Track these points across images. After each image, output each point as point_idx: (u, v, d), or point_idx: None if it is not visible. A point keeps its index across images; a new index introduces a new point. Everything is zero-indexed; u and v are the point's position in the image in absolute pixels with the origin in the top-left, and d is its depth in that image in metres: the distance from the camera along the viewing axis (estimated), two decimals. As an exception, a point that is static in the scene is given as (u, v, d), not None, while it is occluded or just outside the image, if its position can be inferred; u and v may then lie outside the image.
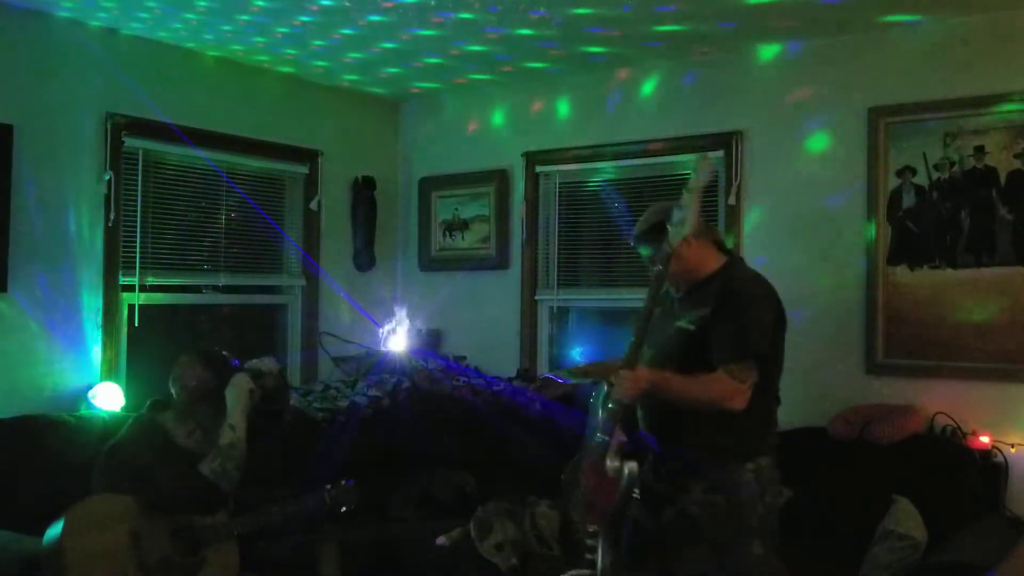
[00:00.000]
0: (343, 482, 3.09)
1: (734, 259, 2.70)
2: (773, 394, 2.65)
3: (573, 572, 2.69)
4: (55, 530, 2.64)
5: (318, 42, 4.20)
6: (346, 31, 4.01)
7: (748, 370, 2.46)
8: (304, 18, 3.82)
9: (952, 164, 3.71)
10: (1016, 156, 3.58)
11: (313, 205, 4.89)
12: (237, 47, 4.29)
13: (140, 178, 4.12)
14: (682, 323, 2.57)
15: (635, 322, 2.57)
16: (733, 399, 2.45)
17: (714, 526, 2.51)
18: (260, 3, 3.64)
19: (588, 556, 2.57)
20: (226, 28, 4.00)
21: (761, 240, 4.15)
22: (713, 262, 2.63)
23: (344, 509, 3.07)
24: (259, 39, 4.15)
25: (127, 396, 3.89)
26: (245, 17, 3.82)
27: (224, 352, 3.17)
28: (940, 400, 3.65)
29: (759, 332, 2.50)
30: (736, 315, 2.48)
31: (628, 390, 2.46)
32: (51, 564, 2.61)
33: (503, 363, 4.87)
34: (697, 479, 2.53)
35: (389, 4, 3.62)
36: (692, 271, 2.61)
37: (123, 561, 2.66)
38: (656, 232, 2.56)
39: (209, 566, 2.78)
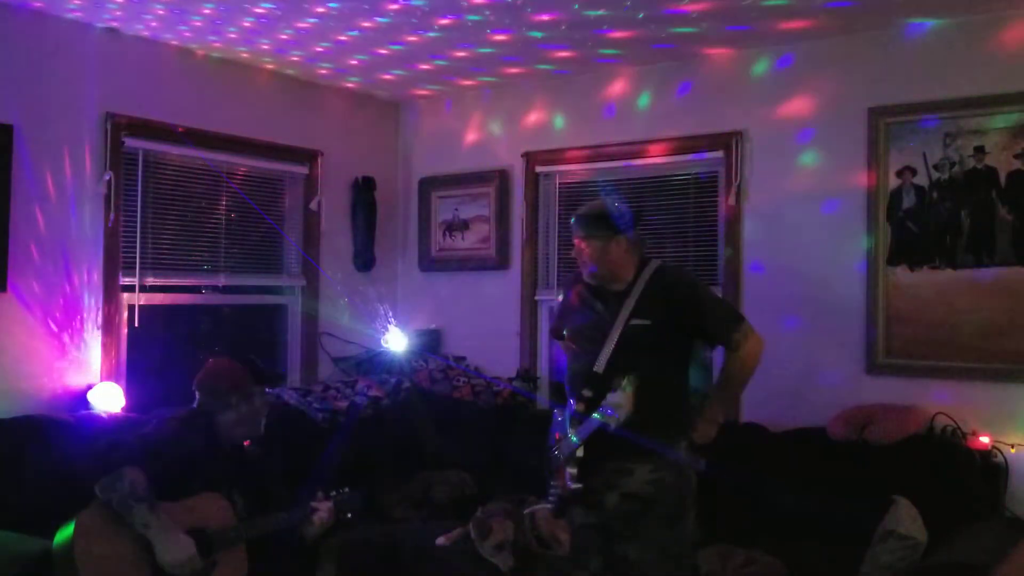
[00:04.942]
0: (344, 489, 3.12)
1: (649, 258, 2.90)
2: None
3: (537, 505, 3.08)
4: (65, 533, 2.63)
5: (322, 45, 4.20)
6: (349, 34, 4.01)
7: (745, 329, 2.75)
8: (309, 20, 3.82)
9: (952, 164, 3.71)
10: (1016, 156, 3.58)
11: (313, 205, 4.89)
12: (241, 50, 4.29)
13: (140, 178, 4.12)
14: (635, 321, 2.76)
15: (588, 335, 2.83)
16: (757, 352, 2.75)
17: (664, 500, 2.70)
18: (264, 7, 3.64)
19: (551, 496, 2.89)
20: (232, 34, 4.02)
21: (761, 240, 4.15)
22: (632, 266, 2.85)
23: (349, 515, 3.09)
24: (264, 42, 4.15)
25: (127, 396, 3.89)
26: (249, 20, 3.82)
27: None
28: (940, 400, 3.65)
29: (724, 302, 2.90)
30: (702, 299, 2.80)
31: (710, 439, 2.81)
32: (63, 568, 2.60)
33: (503, 363, 4.87)
34: (643, 462, 2.70)
35: (393, 7, 3.62)
36: (616, 269, 2.82)
37: (135, 564, 2.65)
38: (595, 219, 2.82)
39: (221, 568, 2.78)
